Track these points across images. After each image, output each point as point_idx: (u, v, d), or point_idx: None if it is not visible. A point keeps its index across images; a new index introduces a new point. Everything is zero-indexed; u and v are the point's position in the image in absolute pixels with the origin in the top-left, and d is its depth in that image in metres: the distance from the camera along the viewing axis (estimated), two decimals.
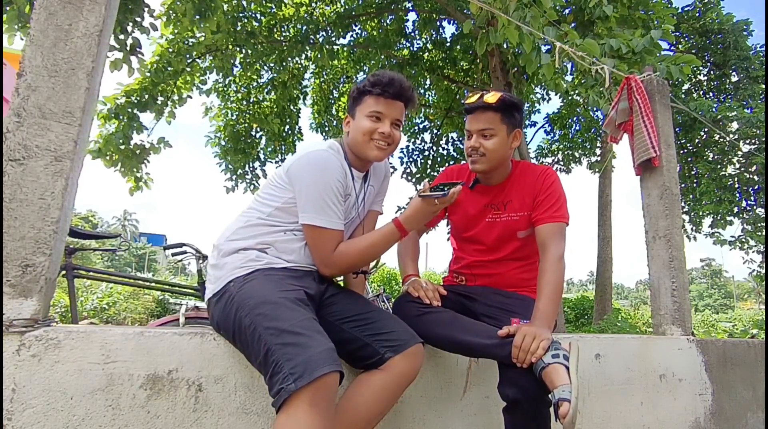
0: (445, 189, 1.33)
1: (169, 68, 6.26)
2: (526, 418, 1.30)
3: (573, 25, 4.93)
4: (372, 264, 4.16)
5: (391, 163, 1.56)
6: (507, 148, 1.59)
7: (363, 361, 1.28)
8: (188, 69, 6.55)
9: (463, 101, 1.59)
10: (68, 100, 1.23)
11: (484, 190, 1.68)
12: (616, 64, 2.94)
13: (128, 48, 4.91)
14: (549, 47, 3.09)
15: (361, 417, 1.21)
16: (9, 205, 1.15)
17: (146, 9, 4.90)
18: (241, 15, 6.87)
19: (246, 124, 8.16)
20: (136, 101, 6.17)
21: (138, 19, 4.86)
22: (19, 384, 1.08)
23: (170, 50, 6.28)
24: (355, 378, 1.30)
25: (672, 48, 8.85)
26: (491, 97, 1.54)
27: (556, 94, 8.05)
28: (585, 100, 4.26)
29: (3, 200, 1.14)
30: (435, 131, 9.42)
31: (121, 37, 4.82)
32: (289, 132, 8.53)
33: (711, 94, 8.59)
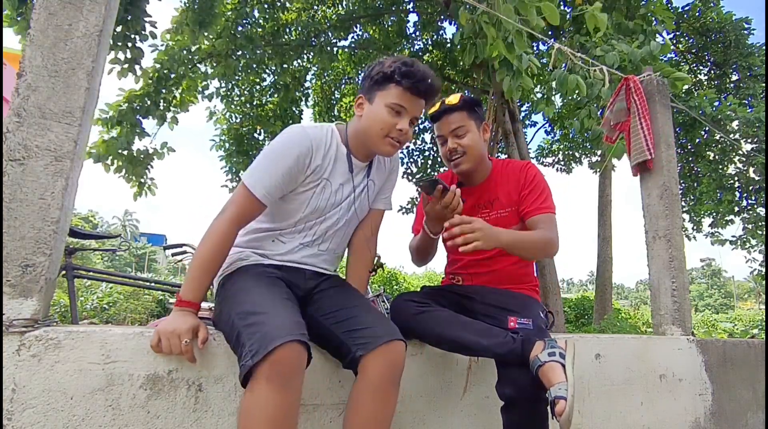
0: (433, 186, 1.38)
1: (172, 75, 6.28)
2: (523, 416, 1.30)
3: (570, 29, 4.94)
4: (374, 264, 4.15)
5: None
6: (481, 141, 1.64)
7: (343, 359, 1.23)
8: (191, 74, 6.56)
9: (426, 113, 1.64)
10: (68, 100, 1.23)
11: (468, 192, 1.69)
12: (613, 74, 2.95)
13: (131, 59, 5.01)
14: (519, 62, 3.10)
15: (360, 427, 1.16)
16: (9, 205, 1.15)
17: (147, 19, 4.95)
18: (244, 21, 6.89)
19: (249, 127, 8.19)
20: (138, 107, 6.20)
21: (138, 28, 4.92)
22: (19, 384, 1.08)
23: (172, 57, 6.30)
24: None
25: (673, 48, 8.84)
26: (453, 99, 1.62)
27: (545, 118, 8.02)
28: (573, 128, 4.28)
29: (3, 200, 1.14)
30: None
31: (123, 44, 4.89)
32: None
33: (712, 92, 8.58)
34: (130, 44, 4.96)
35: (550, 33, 5.46)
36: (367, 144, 1.38)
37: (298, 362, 1.03)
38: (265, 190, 1.27)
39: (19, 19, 4.27)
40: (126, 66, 5.12)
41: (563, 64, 3.07)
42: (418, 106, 1.35)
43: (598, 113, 4.10)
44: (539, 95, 9.29)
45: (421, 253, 1.69)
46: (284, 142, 1.31)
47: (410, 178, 9.37)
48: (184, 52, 6.34)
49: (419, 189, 1.41)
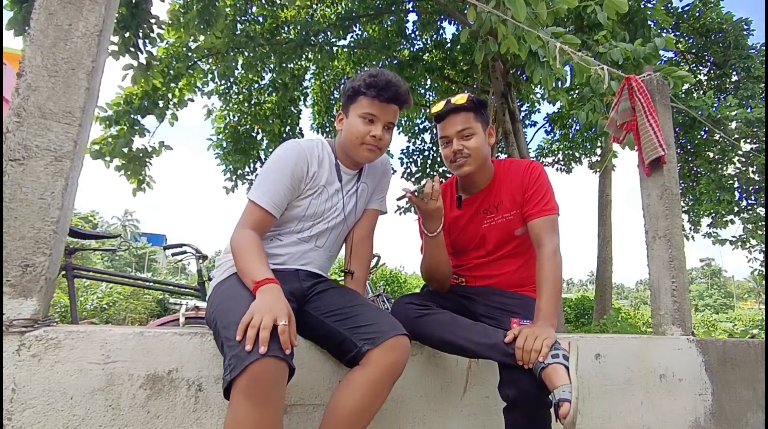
0: (421, 188, 1.43)
1: (171, 72, 6.30)
2: (527, 418, 1.29)
3: (570, 29, 4.94)
4: (372, 264, 4.16)
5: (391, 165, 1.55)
6: (486, 145, 1.60)
7: (345, 355, 1.24)
8: (190, 71, 6.57)
9: (429, 111, 1.61)
10: (68, 100, 1.23)
11: (471, 201, 1.67)
12: (614, 74, 2.96)
13: (145, 65, 5.04)
14: (545, 51, 3.09)
15: (343, 415, 1.15)
16: (9, 205, 1.15)
17: (154, 21, 4.96)
18: (243, 18, 6.90)
19: (247, 125, 8.19)
20: (137, 107, 6.21)
21: (148, 31, 4.93)
22: (19, 384, 1.08)
23: (171, 54, 6.31)
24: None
25: (673, 48, 8.83)
26: (460, 99, 1.56)
27: (553, 104, 8.06)
28: (579, 119, 4.25)
29: (3, 200, 1.14)
30: (435, 131, 9.42)
31: (132, 49, 4.90)
32: (290, 133, 8.55)
33: (711, 94, 8.59)
34: (140, 49, 4.97)
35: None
36: (349, 154, 1.48)
37: (276, 377, 1.03)
38: (271, 201, 1.35)
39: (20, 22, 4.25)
40: (139, 72, 5.16)
41: (566, 64, 3.07)
42: (388, 112, 1.43)
43: (603, 109, 4.10)
44: (539, 92, 9.30)
45: (433, 266, 1.60)
46: (281, 155, 1.41)
47: (410, 177, 9.37)
48: (184, 49, 6.36)
49: (407, 199, 1.46)
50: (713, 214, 8.47)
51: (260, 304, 1.09)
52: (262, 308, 1.07)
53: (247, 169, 8.29)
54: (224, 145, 8.19)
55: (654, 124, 2.40)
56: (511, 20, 2.71)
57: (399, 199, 1.49)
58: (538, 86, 8.58)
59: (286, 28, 7.65)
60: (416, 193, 1.43)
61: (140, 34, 4.85)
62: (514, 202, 1.60)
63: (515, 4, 2.53)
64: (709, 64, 8.66)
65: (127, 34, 4.72)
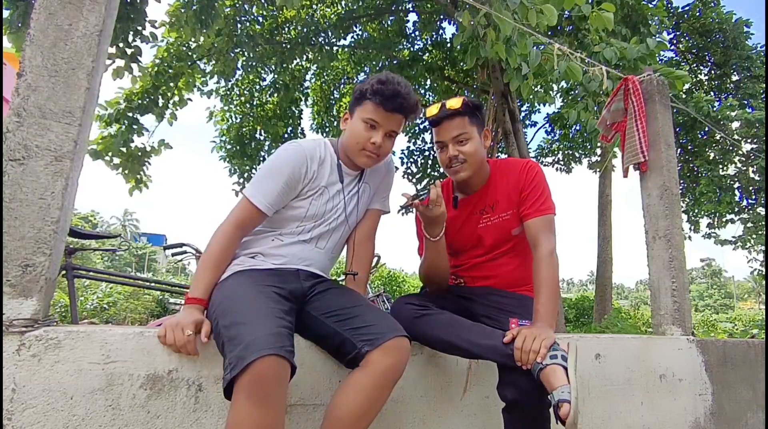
0: (422, 194, 1.40)
1: (170, 71, 6.30)
2: (526, 419, 1.29)
3: (570, 27, 4.94)
4: (372, 264, 4.16)
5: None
6: (482, 148, 1.59)
7: (345, 357, 1.24)
8: (189, 70, 6.58)
9: (422, 116, 1.59)
10: (68, 100, 1.24)
11: (467, 201, 1.67)
12: (611, 73, 2.96)
13: (129, 56, 5.03)
14: (538, 55, 3.11)
15: (343, 417, 1.14)
16: (9, 205, 1.15)
17: (147, 19, 4.97)
18: (243, 18, 6.90)
19: (250, 127, 8.20)
20: (137, 105, 6.22)
21: (139, 27, 4.94)
22: (19, 384, 1.08)
23: (171, 53, 6.32)
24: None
25: (673, 48, 8.83)
26: (455, 103, 1.53)
27: (545, 104, 8.08)
28: (569, 118, 4.26)
29: (3, 200, 1.15)
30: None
31: (121, 45, 4.91)
32: (291, 133, 8.55)
33: (712, 94, 8.59)
34: (126, 44, 4.96)
35: (549, 33, 5.47)
36: (348, 156, 1.48)
37: (277, 376, 1.02)
38: (264, 200, 1.35)
39: (19, 24, 4.24)
40: (123, 64, 5.15)
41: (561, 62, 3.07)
42: (392, 120, 1.41)
43: (595, 108, 4.12)
44: (537, 88, 9.29)
45: (433, 270, 1.60)
46: (281, 156, 1.41)
47: (410, 177, 9.37)
48: (184, 48, 6.37)
49: (411, 206, 1.43)
50: (713, 215, 8.48)
51: (172, 320, 1.20)
52: (171, 323, 1.19)
53: (253, 172, 8.32)
54: (227, 146, 8.20)
55: (641, 130, 2.41)
56: (502, 21, 2.73)
57: (403, 206, 1.47)
58: (539, 86, 8.59)
59: (286, 28, 7.65)
60: (419, 198, 1.41)
61: (130, 30, 4.86)
62: (510, 202, 1.60)
63: (502, 22, 2.59)
64: (709, 64, 8.67)
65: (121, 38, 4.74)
